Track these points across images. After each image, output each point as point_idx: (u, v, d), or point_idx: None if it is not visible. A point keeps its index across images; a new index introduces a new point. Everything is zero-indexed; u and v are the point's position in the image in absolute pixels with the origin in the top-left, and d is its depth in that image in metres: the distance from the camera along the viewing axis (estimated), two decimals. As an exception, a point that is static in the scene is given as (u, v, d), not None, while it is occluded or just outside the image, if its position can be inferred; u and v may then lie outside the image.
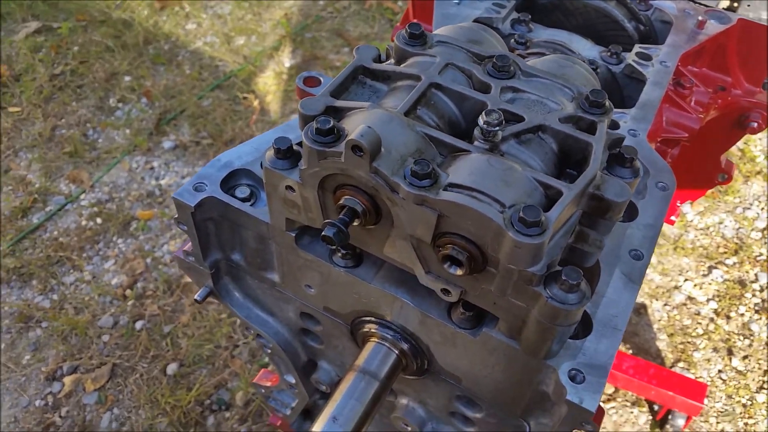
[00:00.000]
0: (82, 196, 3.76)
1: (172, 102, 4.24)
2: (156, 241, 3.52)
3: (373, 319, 1.16)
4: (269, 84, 4.43)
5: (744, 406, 3.13)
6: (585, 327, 1.02)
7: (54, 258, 3.44)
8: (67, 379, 3.00)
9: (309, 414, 1.66)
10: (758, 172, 4.07)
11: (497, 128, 0.91)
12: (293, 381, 1.44)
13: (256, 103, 4.27)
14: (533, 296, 0.89)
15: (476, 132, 0.93)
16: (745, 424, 3.07)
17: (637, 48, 1.49)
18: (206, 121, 4.13)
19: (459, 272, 0.90)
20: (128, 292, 3.27)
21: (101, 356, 3.07)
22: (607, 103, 0.99)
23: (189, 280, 3.34)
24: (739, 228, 3.79)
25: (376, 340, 1.17)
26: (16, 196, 3.71)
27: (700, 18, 1.59)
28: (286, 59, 4.62)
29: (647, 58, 1.47)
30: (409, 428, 1.36)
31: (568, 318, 0.89)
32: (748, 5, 1.75)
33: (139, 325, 3.17)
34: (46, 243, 3.50)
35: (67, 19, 4.76)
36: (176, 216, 1.14)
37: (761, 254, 3.66)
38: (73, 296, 3.29)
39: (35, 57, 4.46)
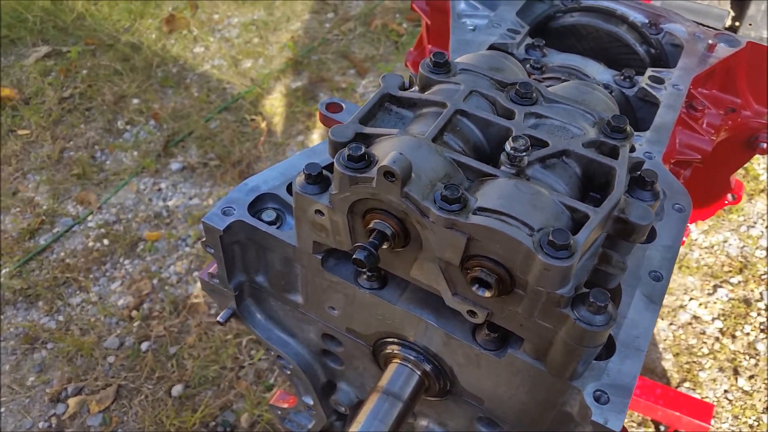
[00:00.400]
0: (90, 218, 3.77)
1: (180, 124, 4.28)
2: (163, 262, 3.53)
3: (396, 340, 1.18)
4: (276, 106, 4.47)
5: (750, 427, 3.12)
6: (608, 348, 1.04)
7: (60, 279, 3.45)
8: (72, 401, 2.99)
9: (326, 435, 1.66)
10: (762, 191, 4.10)
11: (524, 153, 0.93)
12: (311, 402, 1.45)
13: (263, 124, 4.31)
14: (560, 318, 0.91)
15: (503, 157, 0.95)
16: (753, 444, 3.07)
17: (649, 71, 1.53)
18: (214, 143, 4.16)
19: (487, 294, 0.92)
20: (134, 313, 3.28)
21: (106, 377, 3.07)
22: (628, 128, 1.02)
23: (195, 300, 3.36)
24: (744, 246, 3.81)
25: (399, 360, 1.18)
26: (24, 217, 3.72)
27: (710, 41, 1.63)
28: (293, 81, 4.66)
29: (660, 81, 1.50)
30: (430, 449, 1.37)
31: (594, 339, 0.90)
32: (750, 24, 1.79)
33: (144, 346, 3.17)
34: (53, 264, 3.51)
35: (76, 43, 4.82)
36: (203, 239, 1.16)
37: (766, 273, 3.68)
38: (79, 317, 3.29)
39: (44, 80, 4.51)
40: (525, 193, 0.90)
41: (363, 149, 0.91)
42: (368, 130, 0.98)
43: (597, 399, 0.98)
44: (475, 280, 0.92)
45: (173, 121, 4.29)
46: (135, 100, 4.44)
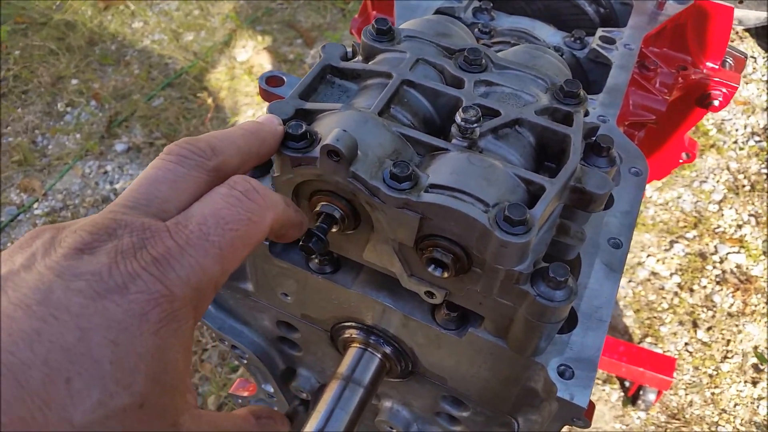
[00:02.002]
0: (35, 206, 3.63)
1: (122, 103, 4.12)
2: (115, 248, 3.41)
3: (353, 324, 1.13)
4: (222, 80, 4.34)
5: (710, 376, 3.20)
6: (570, 321, 1.01)
7: (8, 272, 3.31)
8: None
9: (290, 420, 1.62)
10: (712, 146, 4.16)
11: (475, 125, 0.88)
12: (272, 390, 1.40)
13: (209, 100, 4.18)
14: (520, 295, 0.87)
15: (453, 129, 0.90)
16: (712, 393, 3.15)
17: (600, 32, 1.49)
18: (159, 121, 4.02)
19: (444, 275, 0.87)
20: (89, 302, 3.17)
21: (65, 370, 2.97)
22: (582, 92, 0.98)
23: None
24: (697, 201, 3.87)
25: (358, 345, 1.14)
26: (-36, 209, 3.56)
27: (659, -1, 1.59)
28: (238, 54, 4.53)
29: (611, 41, 1.46)
30: (394, 431, 1.34)
31: (556, 315, 0.87)
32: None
33: (102, 335, 3.08)
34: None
35: (5, 22, 4.58)
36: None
37: (719, 226, 3.74)
38: (30, 310, 3.17)
39: (-27, 63, 4.29)
40: (478, 167, 0.85)
41: (304, 127, 0.85)
42: (309, 105, 0.92)
43: (561, 374, 0.95)
44: (430, 261, 0.88)
45: (115, 101, 4.13)
46: (74, 81, 4.26)
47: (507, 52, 1.12)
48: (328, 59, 0.99)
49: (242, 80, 4.28)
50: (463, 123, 0.88)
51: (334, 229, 0.90)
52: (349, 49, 1.10)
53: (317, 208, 0.90)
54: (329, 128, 0.85)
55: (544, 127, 0.94)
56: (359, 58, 1.06)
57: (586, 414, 0.95)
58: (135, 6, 4.78)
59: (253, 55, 4.47)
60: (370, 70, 0.98)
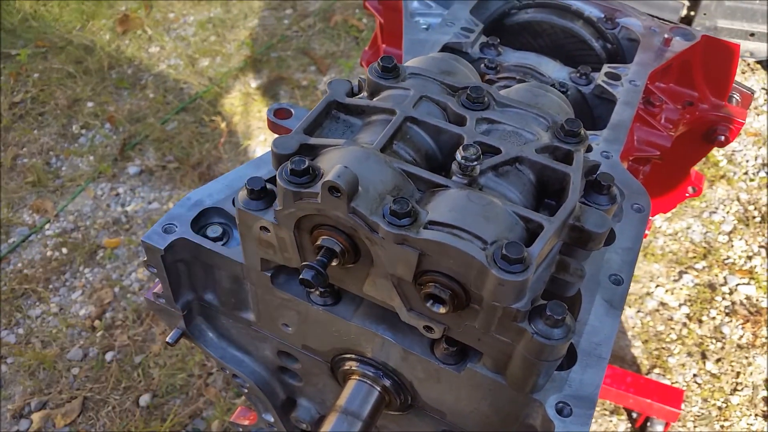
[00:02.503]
0: (47, 226, 3.67)
1: (136, 126, 4.17)
2: (124, 270, 3.44)
3: (353, 356, 1.14)
4: (236, 105, 4.39)
5: (719, 408, 3.16)
6: (569, 357, 1.01)
7: (19, 291, 3.34)
8: (36, 416, 2.90)
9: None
10: (722, 176, 4.14)
11: (475, 163, 0.90)
12: (272, 420, 1.40)
13: (223, 125, 4.22)
14: (518, 332, 0.87)
15: (454, 167, 0.91)
16: (722, 426, 3.10)
17: (606, 68, 1.50)
18: (172, 145, 4.07)
19: (442, 310, 0.88)
20: (97, 323, 3.19)
21: (71, 390, 2.98)
22: (583, 131, 0.99)
23: (160, 308, 3.28)
24: (707, 232, 3.84)
25: (358, 377, 1.14)
26: (-23, 229, 3.61)
27: (666, 35, 1.61)
28: (252, 80, 4.58)
29: (616, 77, 1.47)
30: (394, 463, 1.34)
31: (553, 353, 0.87)
32: (704, 14, 1.78)
33: (109, 356, 3.09)
34: (10, 276, 3.40)
35: (26, 45, 4.67)
36: (145, 259, 1.10)
37: (729, 257, 3.72)
38: (39, 329, 3.20)
39: (-7, 85, 4.37)
40: (477, 205, 0.86)
41: (306, 162, 0.86)
42: (313, 140, 0.93)
43: (560, 411, 0.95)
44: (429, 296, 0.89)
45: (129, 124, 4.18)
46: (89, 104, 4.32)
47: (509, 90, 1.13)
48: (333, 95, 1.01)
49: (255, 106, 4.32)
50: (463, 161, 0.89)
51: (334, 263, 0.91)
52: (355, 83, 1.12)
53: (318, 242, 0.91)
54: (332, 164, 0.87)
55: (544, 166, 0.95)
56: (365, 93, 1.08)
57: (584, 453, 0.95)
58: (152, 31, 4.86)
59: (266, 81, 4.52)
60: (374, 107, 1.00)
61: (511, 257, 0.80)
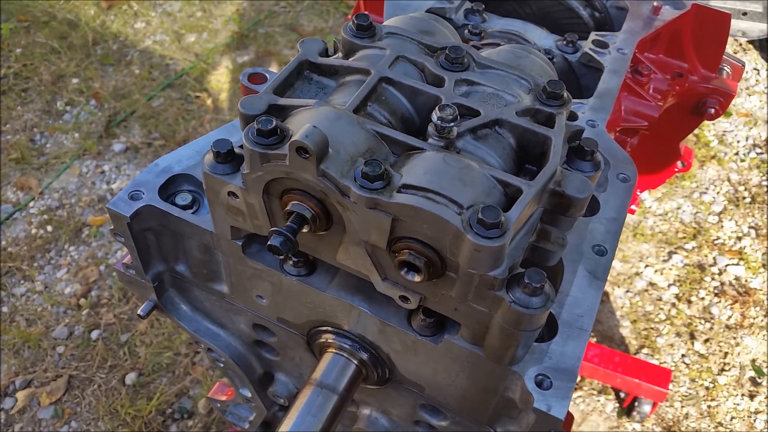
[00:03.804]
0: (31, 204, 3.61)
1: (122, 103, 4.10)
2: (109, 248, 3.39)
3: (329, 328, 1.10)
4: (222, 82, 4.32)
5: (707, 389, 3.16)
6: (550, 329, 0.98)
7: (3, 269, 3.29)
8: (21, 394, 2.87)
9: (269, 426, 1.59)
10: (713, 157, 4.12)
11: (452, 124, 0.86)
12: (249, 395, 1.37)
13: (209, 101, 4.16)
14: (495, 301, 0.84)
15: (430, 128, 0.87)
16: (708, 406, 3.10)
17: (593, 36, 1.46)
18: (158, 122, 4.00)
19: (417, 278, 0.85)
20: (82, 301, 3.15)
21: (56, 368, 2.95)
22: (565, 94, 0.95)
23: (145, 286, 3.24)
24: (697, 212, 3.82)
25: (334, 350, 1.11)
26: (-40, 206, 3.55)
27: (655, 4, 1.56)
28: (239, 56, 4.51)
29: (604, 45, 1.43)
30: (373, 438, 1.31)
31: (532, 323, 0.84)
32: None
33: (95, 334, 3.06)
34: (-6, 254, 3.35)
35: (7, 20, 4.57)
36: (112, 227, 1.06)
37: (718, 238, 3.70)
38: (24, 308, 3.16)
39: (-26, 60, 4.28)
40: (453, 168, 0.82)
41: (274, 122, 0.82)
42: (283, 101, 0.89)
43: (539, 384, 0.92)
44: (403, 264, 0.85)
45: (115, 101, 4.11)
46: (74, 80, 4.24)
47: (491, 52, 1.09)
48: (305, 54, 0.97)
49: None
50: (439, 122, 0.85)
51: (305, 230, 0.88)
52: (331, 47, 1.07)
53: (288, 207, 0.87)
54: (301, 125, 0.83)
55: (524, 129, 0.91)
56: (339, 54, 1.04)
57: (564, 426, 0.92)
58: (138, 6, 4.77)
59: (254, 57, 4.45)
60: (347, 66, 0.96)
61: (487, 222, 0.76)
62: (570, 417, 0.99)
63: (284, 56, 4.48)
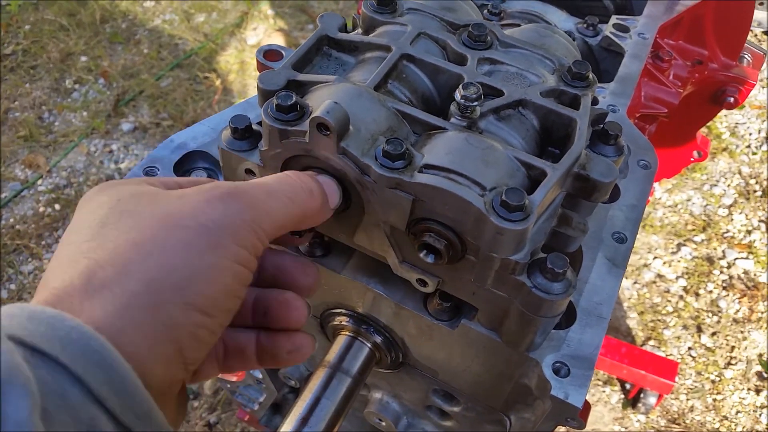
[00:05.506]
0: (39, 182, 3.60)
1: (130, 82, 4.08)
2: (116, 227, 3.39)
3: (343, 311, 1.09)
4: (231, 62, 4.29)
5: (713, 382, 3.15)
6: (568, 316, 0.96)
7: (11, 246, 3.29)
8: (26, 373, 2.88)
9: (279, 408, 1.59)
10: (724, 149, 4.08)
11: (475, 103, 0.83)
12: (260, 376, 1.36)
13: (218, 82, 4.13)
14: (516, 286, 0.82)
15: (453, 108, 0.85)
16: (714, 399, 3.09)
17: (614, 19, 1.43)
18: (166, 102, 3.98)
19: (437, 261, 0.83)
20: (88, 280, 3.15)
21: (61, 348, 2.96)
22: (591, 75, 0.93)
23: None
24: (707, 205, 3.80)
25: (348, 333, 1.09)
26: (-33, 183, 3.55)
27: (678, -11, 1.53)
28: (249, 36, 4.48)
29: (625, 29, 1.40)
30: (383, 423, 1.30)
31: (552, 309, 0.82)
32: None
33: (100, 314, 3.06)
34: (2, 231, 3.35)
35: (16, -5, 4.55)
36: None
37: (728, 231, 3.68)
38: (32, 286, 3.16)
39: (-18, 36, 4.26)
40: (476, 148, 0.80)
41: (294, 98, 0.80)
42: (302, 77, 0.87)
43: (557, 372, 0.90)
44: (423, 246, 0.83)
45: (123, 80, 4.09)
46: (83, 58, 4.22)
47: (515, 31, 1.07)
48: (324, 29, 0.95)
49: (252, 63, 4.23)
50: (462, 100, 0.83)
51: (322, 209, 0.86)
52: (350, 24, 1.05)
53: (306, 186, 0.85)
54: (321, 101, 0.81)
55: (549, 110, 0.89)
56: (359, 30, 1.01)
57: (581, 414, 0.91)
58: (147, -15, 4.74)
59: (263, 38, 4.42)
60: (368, 42, 0.93)
61: (511, 204, 0.74)
62: (587, 405, 0.98)
63: (294, 38, 4.45)
